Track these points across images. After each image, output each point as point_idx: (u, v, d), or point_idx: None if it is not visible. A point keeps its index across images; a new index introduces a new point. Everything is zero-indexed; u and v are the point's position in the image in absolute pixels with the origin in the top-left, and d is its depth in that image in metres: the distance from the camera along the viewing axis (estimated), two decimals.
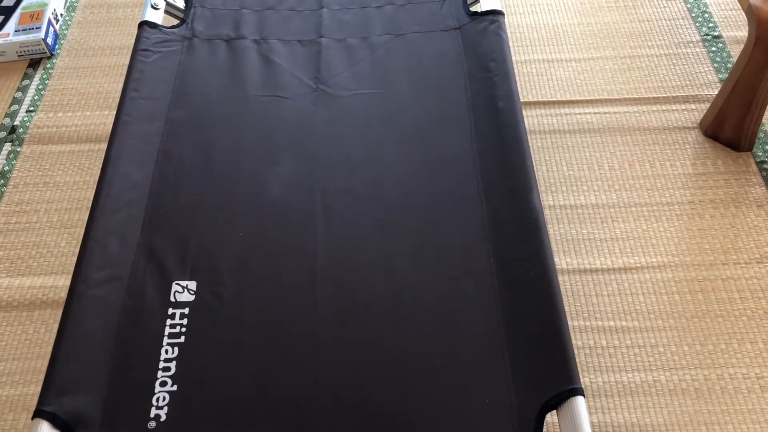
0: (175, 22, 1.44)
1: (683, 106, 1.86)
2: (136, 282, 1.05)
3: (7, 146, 1.85)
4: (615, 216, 1.65)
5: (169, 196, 1.16)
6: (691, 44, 2.00)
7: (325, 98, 1.30)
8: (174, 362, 0.98)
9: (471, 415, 0.92)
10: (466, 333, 0.99)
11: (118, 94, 1.93)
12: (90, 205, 1.66)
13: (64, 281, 1.58)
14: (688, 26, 2.04)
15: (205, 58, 1.36)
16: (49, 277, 1.60)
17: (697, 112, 1.84)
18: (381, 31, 1.41)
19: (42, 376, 1.45)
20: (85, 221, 1.67)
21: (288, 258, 1.09)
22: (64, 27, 2.14)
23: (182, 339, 1.00)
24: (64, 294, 1.56)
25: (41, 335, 1.51)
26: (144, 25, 1.35)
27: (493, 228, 1.10)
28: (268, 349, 0.99)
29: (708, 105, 1.84)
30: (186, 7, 1.46)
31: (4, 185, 1.77)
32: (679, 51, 1.99)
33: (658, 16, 2.07)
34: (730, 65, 1.93)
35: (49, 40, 2.03)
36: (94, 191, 1.72)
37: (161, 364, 0.97)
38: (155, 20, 1.38)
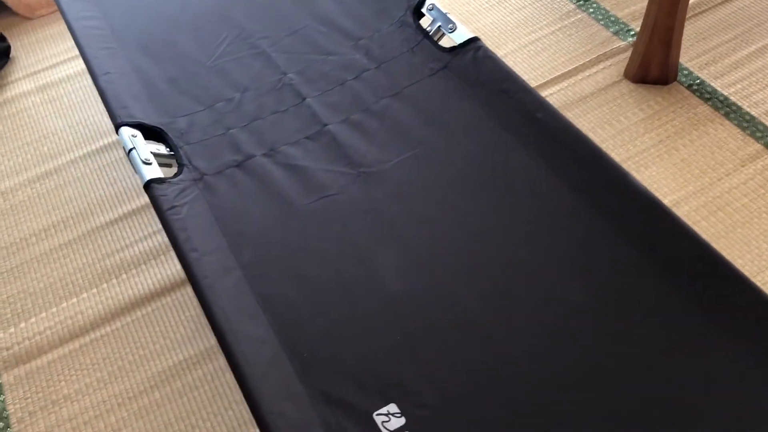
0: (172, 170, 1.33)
1: (600, 66, 2.03)
2: None
3: None
4: None
5: (300, 335, 1.07)
6: (570, 13, 2.19)
7: (372, 177, 1.27)
8: None
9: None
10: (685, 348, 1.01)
11: (73, 277, 1.74)
12: (117, 401, 1.46)
13: None
14: (558, 0, 2.23)
15: (230, 191, 1.27)
16: None
17: (614, 66, 2.02)
18: (374, 98, 1.40)
19: None
20: (124, 419, 1.48)
21: (462, 341, 1.05)
22: None
23: None
24: None
25: None
26: (151, 184, 1.23)
27: (616, 226, 1.13)
28: None
29: (617, 58, 2.03)
30: (173, 152, 1.35)
31: (7, 427, 1.52)
32: (566, 22, 2.16)
33: (530, 1, 2.24)
34: (612, 19, 2.13)
35: None
36: (122, 385, 1.53)
37: None
38: (157, 175, 1.26)
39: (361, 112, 1.38)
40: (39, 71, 2.30)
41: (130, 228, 1.83)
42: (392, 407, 0.98)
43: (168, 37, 1.58)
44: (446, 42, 1.49)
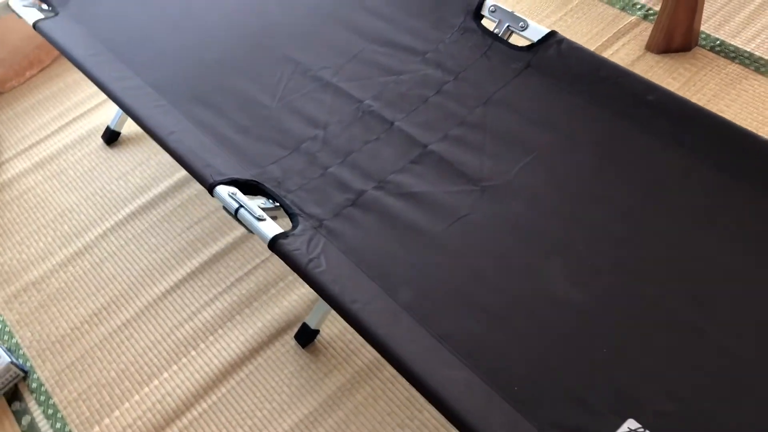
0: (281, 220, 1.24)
1: (619, 44, 2.04)
2: None
3: None
4: None
5: (501, 369, 1.01)
6: None
7: (499, 192, 1.21)
8: None
9: None
10: None
11: (145, 358, 1.60)
12: None
13: None
14: None
15: (355, 232, 1.19)
16: None
17: (633, 41, 2.03)
18: (465, 109, 1.35)
19: None
20: None
21: (672, 341, 1.01)
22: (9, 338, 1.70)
23: None
24: None
25: None
26: (278, 240, 1.14)
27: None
28: None
29: (633, 33, 2.05)
30: (277, 203, 1.26)
31: None
32: (570, 6, 2.17)
33: None
34: None
35: (14, 358, 1.61)
36: None
37: None
38: (277, 230, 1.17)
39: (457, 126, 1.33)
40: (30, 147, 2.13)
41: (191, 294, 1.70)
42: (632, 423, 0.93)
43: (217, 84, 1.47)
44: (515, 41, 1.45)
